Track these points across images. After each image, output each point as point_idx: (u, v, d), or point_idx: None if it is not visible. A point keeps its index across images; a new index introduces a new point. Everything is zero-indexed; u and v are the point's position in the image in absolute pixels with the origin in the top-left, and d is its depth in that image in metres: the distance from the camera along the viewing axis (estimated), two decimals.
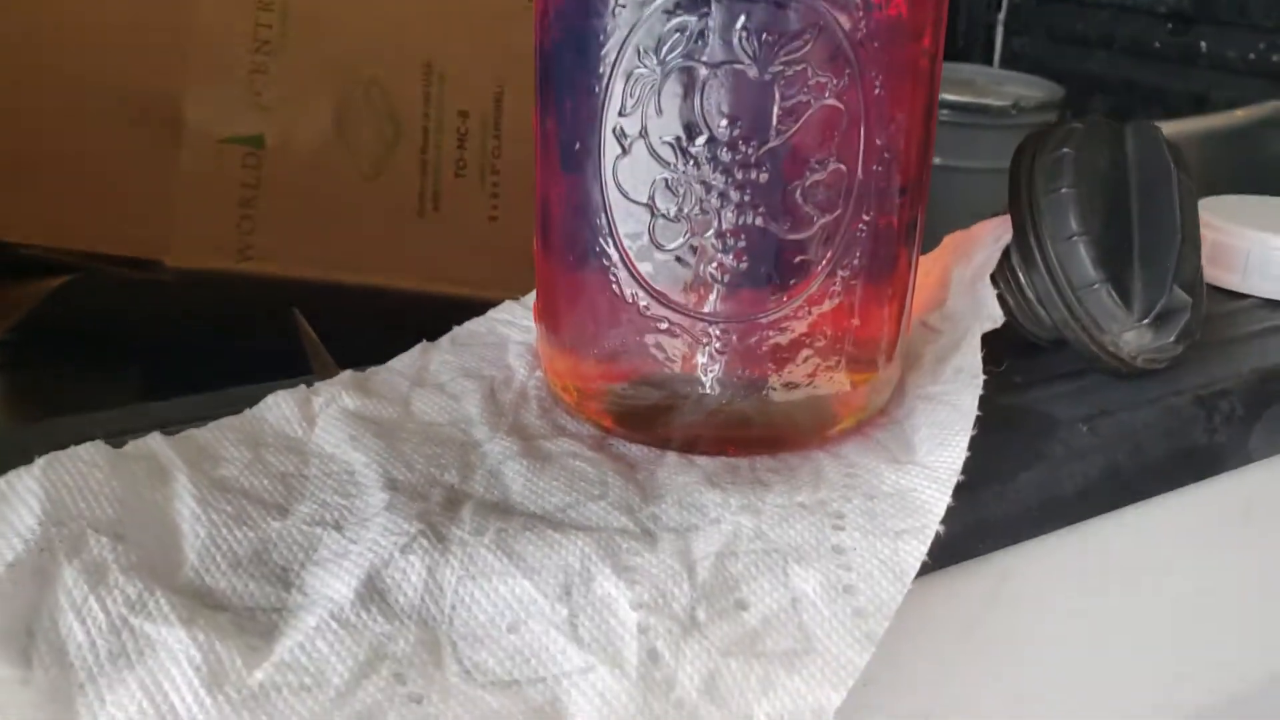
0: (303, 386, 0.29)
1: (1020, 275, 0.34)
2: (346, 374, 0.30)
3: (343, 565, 0.23)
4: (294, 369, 0.35)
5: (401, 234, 0.67)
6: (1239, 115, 0.72)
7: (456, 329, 0.34)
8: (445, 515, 0.25)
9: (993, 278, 0.34)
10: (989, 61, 0.98)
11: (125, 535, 0.23)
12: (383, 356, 0.32)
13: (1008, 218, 0.34)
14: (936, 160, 0.85)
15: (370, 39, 0.66)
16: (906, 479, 0.27)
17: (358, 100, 0.67)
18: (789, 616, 0.24)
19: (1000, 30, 0.96)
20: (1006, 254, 0.34)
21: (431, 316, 0.34)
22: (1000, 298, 0.34)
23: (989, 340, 0.32)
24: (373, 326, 0.33)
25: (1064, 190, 0.32)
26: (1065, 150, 0.33)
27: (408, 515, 0.25)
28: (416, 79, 0.68)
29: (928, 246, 0.38)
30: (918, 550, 0.25)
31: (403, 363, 0.32)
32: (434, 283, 0.66)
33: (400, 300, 0.65)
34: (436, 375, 0.31)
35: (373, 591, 0.23)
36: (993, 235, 0.34)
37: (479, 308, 0.35)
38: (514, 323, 0.35)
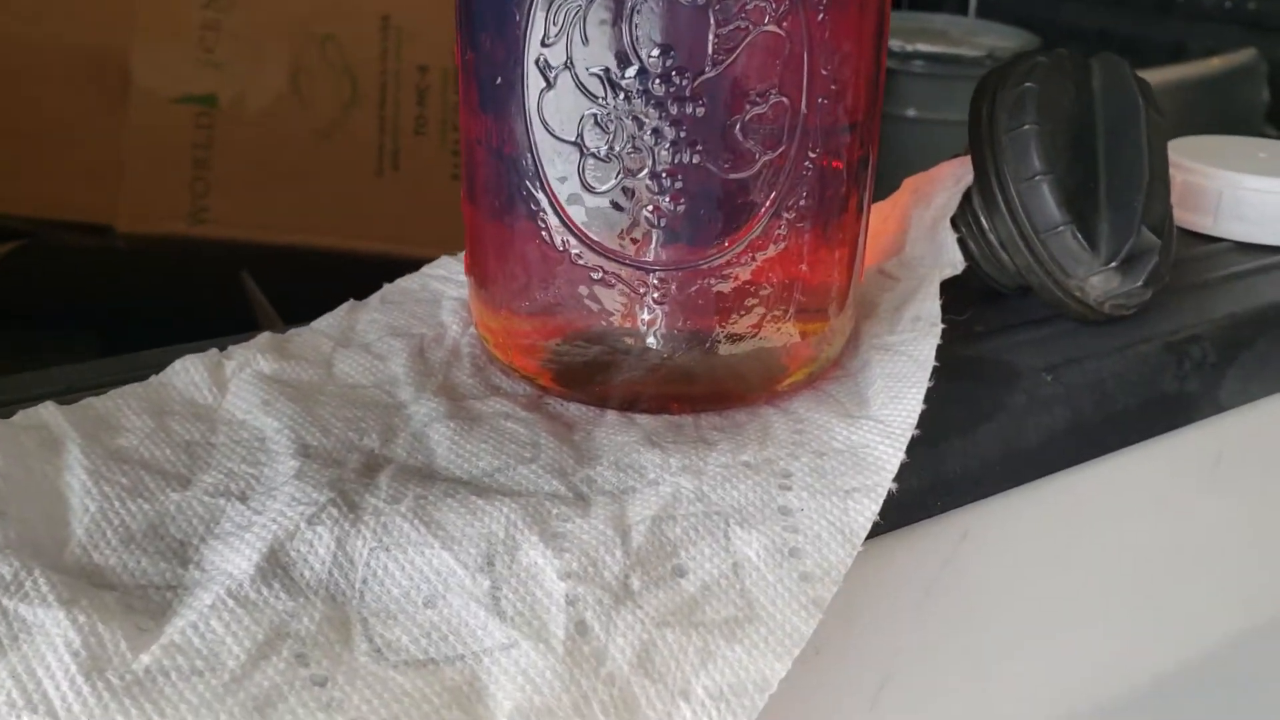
0: (214, 350, 0.27)
1: (982, 218, 0.32)
2: (264, 336, 0.28)
3: (244, 538, 0.22)
4: (249, 334, 0.33)
5: (360, 194, 0.65)
6: (1215, 63, 0.71)
7: (387, 286, 0.32)
8: (360, 482, 0.23)
9: (953, 221, 0.32)
10: (963, 11, 0.95)
11: (5, 511, 0.21)
12: None
13: (969, 158, 0.32)
14: (910, 112, 0.83)
15: None
16: (858, 434, 0.26)
17: (313, 57, 0.64)
18: (730, 583, 0.23)
19: None
20: (968, 196, 0.32)
21: (392, 279, 0.32)
22: (961, 242, 0.32)
23: (950, 288, 0.30)
24: (332, 291, 0.32)
25: (1026, 127, 0.31)
26: (1028, 85, 0.31)
27: (318, 483, 0.23)
28: (374, 34, 0.65)
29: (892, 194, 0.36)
30: (869, 510, 0.24)
31: (327, 322, 0.30)
32: (395, 244, 0.64)
33: (360, 263, 0.63)
34: (363, 335, 0.29)
35: (275, 566, 0.21)
36: (953, 176, 0.33)
37: None
38: (449, 278, 0.33)
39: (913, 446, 0.25)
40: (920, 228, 0.33)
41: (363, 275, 0.32)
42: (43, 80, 0.61)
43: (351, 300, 0.31)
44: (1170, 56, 0.77)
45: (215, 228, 0.64)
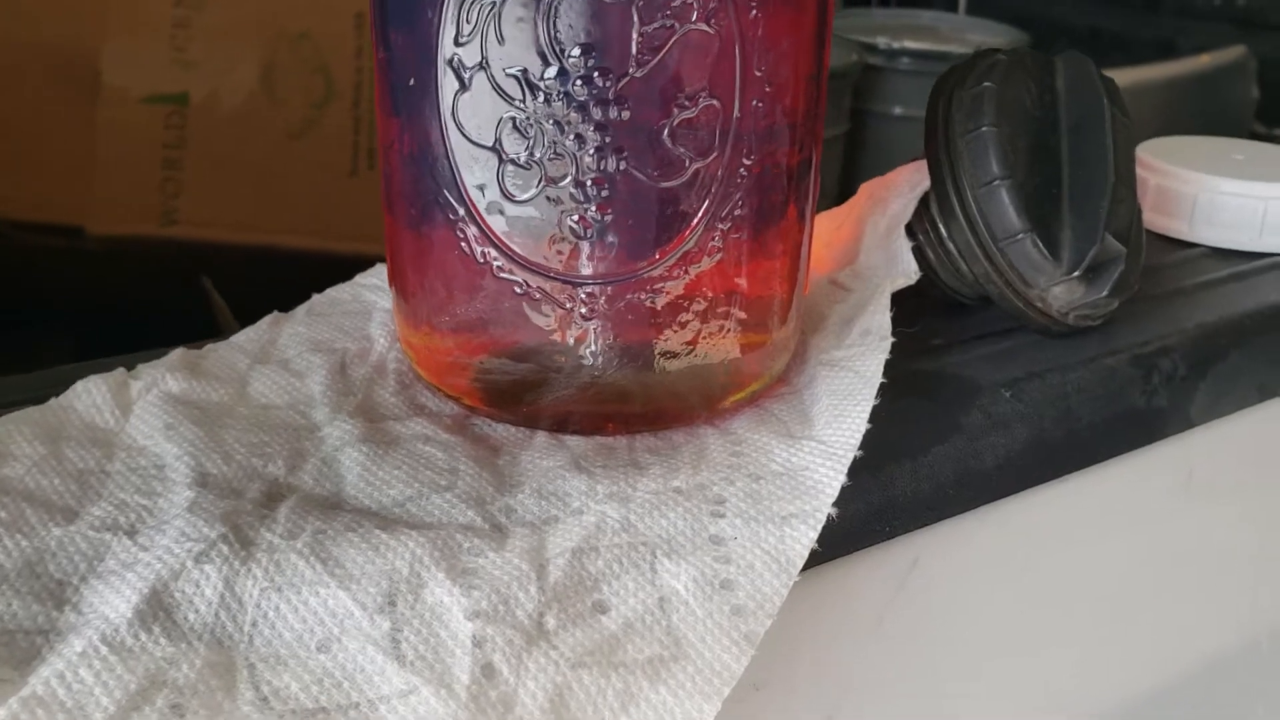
0: (121, 370, 0.26)
1: (939, 225, 0.30)
2: (177, 352, 0.27)
3: (126, 578, 0.20)
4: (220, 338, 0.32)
5: (333, 194, 0.63)
6: (1205, 60, 0.70)
7: (316, 296, 0.31)
8: (258, 514, 0.22)
9: (910, 229, 0.31)
10: (952, 8, 0.94)
11: None
12: None
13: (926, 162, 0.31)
14: (897, 110, 0.81)
15: None
16: (798, 456, 0.24)
17: (286, 55, 0.63)
18: (655, 619, 0.21)
19: None
20: (925, 202, 0.31)
21: None
22: (918, 251, 0.30)
23: (907, 300, 0.29)
24: (307, 292, 0.30)
25: (984, 129, 0.29)
26: (986, 84, 0.30)
27: (210, 517, 0.21)
28: (348, 31, 0.63)
29: None
30: (806, 537, 0.22)
31: (247, 336, 0.28)
32: (369, 244, 0.62)
33: (334, 263, 0.61)
34: (283, 350, 0.28)
35: (157, 608, 0.20)
36: (910, 182, 0.31)
37: None
38: (382, 287, 0.31)
39: (857, 469, 0.24)
40: (875, 235, 0.31)
41: (337, 276, 0.31)
42: (12, 80, 0.60)
43: (275, 312, 0.30)
44: (1160, 54, 0.76)
45: (187, 228, 0.62)
